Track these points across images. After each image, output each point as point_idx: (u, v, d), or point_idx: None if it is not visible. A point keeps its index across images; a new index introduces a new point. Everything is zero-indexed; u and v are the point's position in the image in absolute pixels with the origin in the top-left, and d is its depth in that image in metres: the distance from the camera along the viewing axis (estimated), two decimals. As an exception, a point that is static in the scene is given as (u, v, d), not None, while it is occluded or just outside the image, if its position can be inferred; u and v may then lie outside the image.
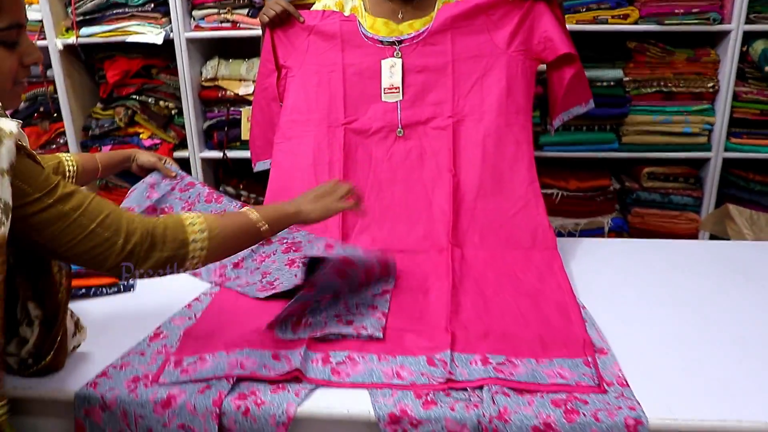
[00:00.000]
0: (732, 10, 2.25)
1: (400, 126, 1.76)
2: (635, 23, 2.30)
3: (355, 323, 1.29)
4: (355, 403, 1.06)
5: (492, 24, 1.71)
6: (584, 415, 1.01)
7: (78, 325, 1.19)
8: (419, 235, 1.69)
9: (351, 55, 1.77)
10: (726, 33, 2.29)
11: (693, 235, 2.46)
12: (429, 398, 1.06)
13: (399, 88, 1.75)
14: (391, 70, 1.75)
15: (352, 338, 1.25)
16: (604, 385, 1.09)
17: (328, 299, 1.37)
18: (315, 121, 1.78)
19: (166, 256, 1.01)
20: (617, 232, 2.47)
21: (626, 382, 1.10)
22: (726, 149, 2.39)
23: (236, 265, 1.52)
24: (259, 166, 1.95)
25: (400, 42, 1.75)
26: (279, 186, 1.78)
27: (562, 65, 1.75)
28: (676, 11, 2.27)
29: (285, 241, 1.65)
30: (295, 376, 1.11)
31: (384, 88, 1.76)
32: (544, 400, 1.05)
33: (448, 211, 1.67)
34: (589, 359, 1.17)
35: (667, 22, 2.28)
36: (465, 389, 1.09)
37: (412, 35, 1.74)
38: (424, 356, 1.19)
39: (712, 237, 2.45)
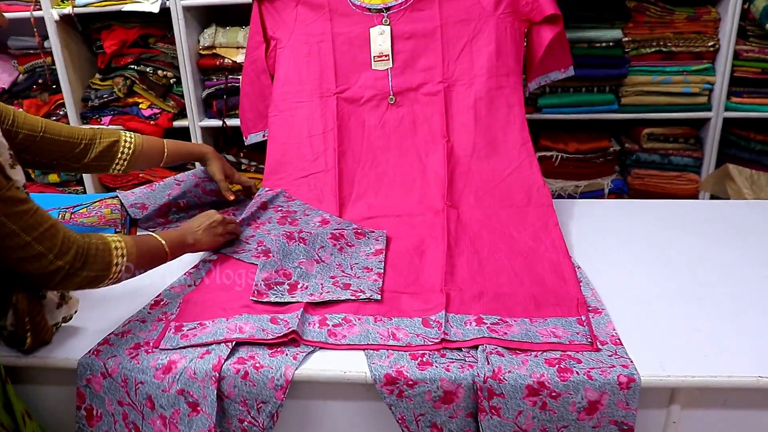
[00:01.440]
0: (733, -34, 2.22)
1: (391, 93, 1.77)
2: (635, -18, 2.27)
3: (352, 287, 1.31)
4: (352, 365, 1.08)
5: None
6: (577, 373, 1.03)
7: (65, 298, 1.20)
8: (415, 199, 1.70)
9: (339, 24, 1.78)
10: (727, -10, 2.26)
11: (693, 196, 2.46)
12: (424, 359, 1.08)
13: (389, 55, 1.76)
14: (380, 38, 1.76)
15: (350, 302, 1.27)
16: (598, 343, 1.11)
17: (318, 262, 1.39)
18: (307, 91, 1.80)
19: (93, 275, 1.07)
20: (617, 193, 2.47)
21: (620, 340, 1.12)
22: (726, 109, 2.36)
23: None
24: (250, 139, 1.98)
25: (388, 9, 1.76)
26: (276, 160, 1.80)
27: (544, 26, 1.75)
28: (677, -31, 2.24)
29: (280, 209, 1.66)
30: (292, 338, 1.14)
31: (374, 56, 1.77)
32: (538, 360, 1.07)
33: (442, 175, 1.68)
34: (582, 318, 1.19)
35: (667, -20, 2.24)
36: (459, 349, 1.11)
37: (399, 2, 1.75)
38: (419, 318, 1.21)
39: (713, 197, 2.44)
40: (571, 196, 2.44)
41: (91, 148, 1.38)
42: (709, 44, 2.30)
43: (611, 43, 2.32)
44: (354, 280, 1.34)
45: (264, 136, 1.94)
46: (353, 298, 1.28)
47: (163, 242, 1.24)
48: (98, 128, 1.43)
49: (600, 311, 1.21)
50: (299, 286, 1.31)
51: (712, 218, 1.62)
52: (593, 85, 2.37)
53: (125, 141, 1.44)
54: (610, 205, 1.79)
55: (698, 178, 2.45)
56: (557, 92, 2.38)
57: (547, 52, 1.78)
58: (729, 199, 2.34)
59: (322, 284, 1.32)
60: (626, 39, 2.33)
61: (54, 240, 1.02)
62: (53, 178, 2.76)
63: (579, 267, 1.37)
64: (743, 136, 2.45)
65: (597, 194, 2.46)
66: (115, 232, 1.48)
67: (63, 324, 1.20)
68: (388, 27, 1.76)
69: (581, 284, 1.30)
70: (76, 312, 1.23)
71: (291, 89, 1.81)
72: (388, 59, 1.77)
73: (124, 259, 1.11)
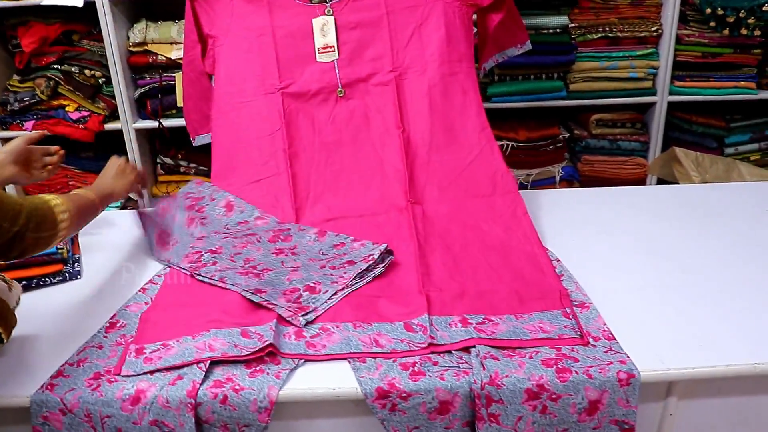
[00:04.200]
0: (672, -48, 2.24)
1: (340, 86, 1.68)
2: (579, -31, 2.26)
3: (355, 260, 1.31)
4: (340, 381, 1.00)
5: None
6: (576, 373, 0.99)
7: (8, 282, 1.13)
8: (375, 197, 1.62)
9: (279, 16, 1.69)
10: (667, -25, 2.28)
11: (641, 180, 2.49)
12: (416, 368, 1.02)
13: (334, 47, 1.68)
14: (323, 29, 1.68)
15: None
16: (590, 339, 1.08)
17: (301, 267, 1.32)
18: (250, 90, 1.69)
19: (45, 236, 1.04)
20: (568, 180, 2.47)
21: (613, 335, 1.08)
22: (670, 93, 2.40)
23: (213, 252, 1.40)
24: (198, 141, 1.87)
25: None
26: (222, 165, 1.69)
27: (491, 10, 1.72)
28: (619, -45, 2.24)
29: (271, 229, 1.53)
30: (270, 352, 1.05)
31: (318, 48, 1.68)
32: (534, 361, 1.02)
33: (401, 169, 1.61)
34: (568, 311, 1.15)
35: (609, -35, 2.25)
36: (450, 353, 1.06)
37: None
38: (401, 322, 1.14)
39: (660, 181, 2.48)
40: (522, 185, 2.43)
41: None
42: (653, 29, 2.32)
43: (558, 30, 2.30)
44: (352, 254, 1.29)
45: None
46: (366, 264, 1.28)
47: (93, 194, 1.24)
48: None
49: (587, 305, 1.17)
50: (317, 290, 1.23)
51: (679, 203, 1.62)
52: (542, 72, 2.35)
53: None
54: (569, 194, 1.78)
55: (646, 162, 2.48)
56: (506, 80, 2.36)
57: (500, 29, 1.75)
58: (676, 181, 2.38)
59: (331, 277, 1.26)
60: (573, 25, 2.32)
61: (3, 207, 0.96)
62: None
63: (559, 260, 1.33)
64: (686, 119, 2.50)
65: (548, 182, 2.46)
66: (57, 249, 1.35)
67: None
68: (332, 17, 1.68)
69: (563, 278, 1.27)
70: (19, 295, 1.15)
71: (233, 89, 1.70)
72: (334, 50, 1.68)
73: (66, 215, 1.08)
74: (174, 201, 1.62)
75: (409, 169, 1.61)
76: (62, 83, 2.35)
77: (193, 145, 1.87)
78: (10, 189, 2.49)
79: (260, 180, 1.65)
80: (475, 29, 1.83)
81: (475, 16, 1.76)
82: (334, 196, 1.64)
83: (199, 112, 1.83)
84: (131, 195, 1.69)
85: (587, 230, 1.50)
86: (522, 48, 1.85)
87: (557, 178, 2.44)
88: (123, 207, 2.50)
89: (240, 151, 1.68)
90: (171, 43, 2.33)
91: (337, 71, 1.68)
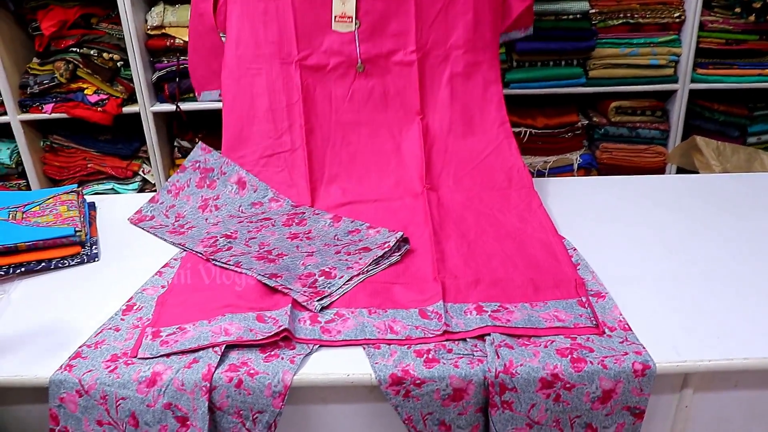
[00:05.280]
0: (698, -65, 2.20)
1: (359, 60, 1.62)
2: (601, -48, 2.23)
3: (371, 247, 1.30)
4: (354, 366, 1.01)
5: None
6: (591, 363, 0.99)
7: None
8: (391, 182, 1.62)
9: None
10: (692, -40, 2.24)
11: (660, 169, 2.46)
12: (431, 356, 1.02)
13: (352, 17, 1.59)
14: None
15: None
16: (606, 329, 1.07)
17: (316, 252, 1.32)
18: (266, 56, 1.62)
19: None
20: (586, 168, 2.45)
21: (628, 326, 1.08)
22: (692, 80, 2.36)
23: (228, 236, 1.40)
24: (204, 96, 1.77)
25: None
26: (234, 134, 1.64)
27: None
28: (643, -62, 2.21)
29: (286, 213, 1.53)
30: (285, 337, 1.05)
31: (335, 16, 1.60)
32: (549, 350, 1.02)
33: (419, 155, 1.60)
34: (583, 299, 1.15)
35: (632, -51, 2.21)
36: (465, 341, 1.05)
37: None
38: (416, 309, 1.14)
39: (679, 170, 2.45)
40: (540, 172, 2.41)
41: None
42: (675, 15, 2.29)
43: (578, 15, 2.27)
44: (368, 240, 1.28)
45: (219, 96, 1.73)
46: (381, 251, 1.26)
47: None
48: None
49: (603, 295, 1.16)
50: (333, 275, 1.23)
51: (698, 193, 1.60)
52: (561, 59, 2.33)
53: None
54: (587, 182, 1.76)
55: (665, 150, 2.45)
56: (524, 66, 2.33)
57: (519, 16, 1.70)
58: (696, 170, 2.35)
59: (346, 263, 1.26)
60: (593, 11, 2.29)
61: None
62: (-8, 172, 2.57)
63: (575, 249, 1.32)
64: (708, 107, 2.47)
65: (566, 169, 2.44)
66: (75, 231, 1.36)
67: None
68: None
69: (579, 267, 1.26)
70: None
71: (247, 52, 1.63)
72: (351, 21, 1.59)
73: None
74: (183, 174, 1.60)
75: (426, 155, 1.60)
76: (81, 66, 2.36)
77: (198, 100, 1.78)
78: (31, 172, 2.52)
79: (274, 155, 1.63)
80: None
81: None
82: (349, 178, 1.62)
83: (206, 67, 1.72)
84: None
85: (604, 219, 1.48)
86: (525, 32, 1.76)
87: (575, 166, 2.42)
88: (140, 190, 2.52)
89: (253, 121, 1.63)
90: (188, 27, 2.33)
91: (357, 44, 1.61)
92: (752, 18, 2.24)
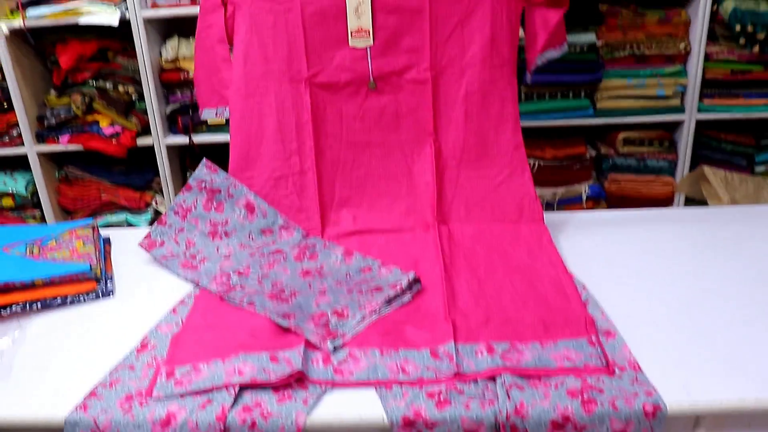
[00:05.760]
0: (702, -31, 2.23)
1: (371, 77, 1.57)
2: (607, -15, 2.27)
3: (383, 287, 1.31)
4: (367, 408, 1.01)
5: None
6: (602, 404, 0.99)
7: None
8: (401, 210, 1.61)
9: None
10: (696, -8, 2.28)
11: (669, 199, 2.47)
12: (442, 397, 1.02)
13: (369, 31, 1.53)
14: (357, 10, 1.53)
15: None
16: (617, 369, 1.08)
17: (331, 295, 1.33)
18: (275, 73, 1.57)
19: None
20: (595, 199, 2.47)
21: (638, 365, 1.08)
22: (699, 110, 2.38)
23: (241, 273, 1.42)
24: (205, 114, 1.71)
25: None
26: (242, 154, 1.60)
27: (549, 7, 1.58)
28: (648, -28, 2.24)
29: (297, 246, 1.53)
30: (298, 378, 1.07)
31: (351, 31, 1.53)
32: (560, 392, 1.02)
33: (431, 182, 1.58)
34: (593, 338, 1.15)
35: (638, -17, 2.25)
36: (476, 382, 1.06)
37: None
38: (427, 349, 1.15)
39: (688, 199, 2.46)
40: (549, 204, 2.43)
41: None
42: (681, 46, 2.31)
43: (585, 48, 2.30)
44: (380, 280, 1.29)
45: (217, 114, 1.69)
46: (394, 292, 1.27)
47: None
48: None
49: (613, 334, 1.17)
50: (345, 315, 1.24)
51: (707, 226, 1.60)
52: (568, 91, 2.36)
53: None
54: (596, 216, 1.76)
55: (674, 180, 2.46)
56: (533, 99, 2.36)
57: (552, 33, 1.62)
58: (704, 200, 2.36)
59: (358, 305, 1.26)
60: (600, 43, 2.32)
61: None
62: (7, 202, 2.60)
63: (585, 287, 1.33)
64: (715, 137, 2.49)
65: (575, 200, 2.45)
66: (91, 267, 1.39)
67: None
68: None
69: (588, 305, 1.26)
70: None
71: (255, 70, 1.58)
72: (368, 35, 1.53)
73: None
74: (190, 194, 1.57)
75: (438, 183, 1.57)
76: (97, 99, 2.41)
77: (200, 117, 1.73)
78: (46, 202, 2.56)
79: (283, 177, 1.60)
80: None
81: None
82: (360, 202, 1.61)
83: (209, 83, 1.67)
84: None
85: (613, 254, 1.49)
86: (560, 50, 1.67)
87: (584, 197, 2.44)
88: (153, 221, 2.55)
89: (261, 142, 1.60)
90: (202, 60, 2.37)
91: (369, 60, 1.56)
92: (756, 49, 2.26)
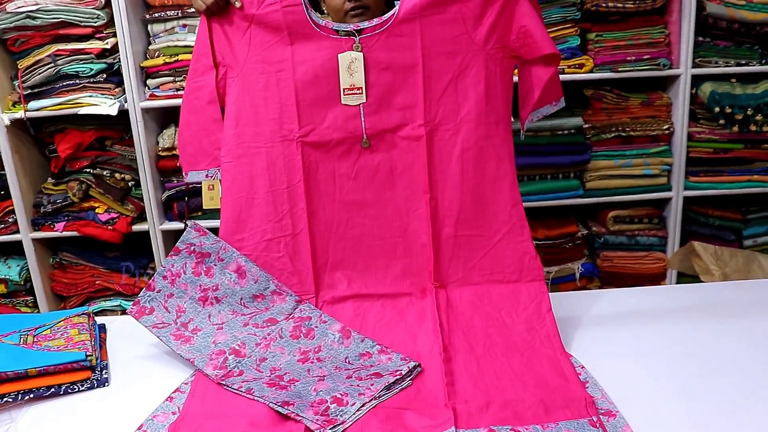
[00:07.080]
0: (679, 55, 2.35)
1: (365, 135, 1.52)
2: (591, 72, 2.36)
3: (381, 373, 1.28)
4: (368, 498, 0.99)
5: (468, 13, 1.47)
6: (607, 488, 0.98)
7: None
8: (397, 271, 1.56)
9: (301, 50, 1.50)
10: (676, 77, 2.38)
11: (662, 275, 2.50)
12: (445, 485, 1.01)
13: (362, 88, 1.49)
14: (350, 67, 1.49)
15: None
16: (619, 450, 1.06)
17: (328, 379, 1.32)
18: (266, 134, 1.53)
19: None
20: (588, 277, 2.49)
21: (642, 447, 1.07)
22: (686, 188, 2.44)
23: (238, 353, 1.39)
24: (190, 177, 1.66)
25: (360, 32, 1.48)
26: (233, 217, 1.55)
27: (540, 64, 1.55)
28: (628, 58, 2.35)
29: (291, 316, 1.50)
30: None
31: (343, 89, 1.50)
32: (564, 476, 1.01)
33: (427, 242, 1.54)
34: (594, 419, 1.14)
35: (620, 69, 2.35)
36: (478, 469, 1.04)
37: (374, 24, 1.49)
38: (428, 436, 1.13)
39: (680, 274, 2.48)
40: (543, 282, 2.44)
41: None
42: (664, 127, 2.40)
43: (573, 130, 2.38)
44: (379, 366, 1.27)
45: (207, 176, 1.64)
46: (393, 378, 1.26)
47: None
48: None
49: (614, 414, 1.16)
50: (345, 402, 1.22)
51: (700, 303, 1.62)
52: (558, 172, 2.42)
53: None
54: (590, 296, 1.77)
55: (665, 256, 2.49)
56: (523, 180, 2.41)
57: (544, 90, 1.57)
58: (696, 275, 2.38)
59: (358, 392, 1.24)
60: (587, 126, 2.40)
61: None
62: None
63: (583, 367, 1.33)
64: (702, 213, 2.53)
65: (568, 279, 2.47)
66: (86, 356, 1.37)
67: None
68: (361, 54, 1.48)
69: (588, 385, 1.26)
70: None
71: (246, 131, 1.54)
72: (362, 93, 1.50)
73: None
74: (178, 258, 1.54)
75: (435, 243, 1.54)
76: (93, 186, 2.44)
77: (185, 180, 1.67)
78: (39, 289, 2.54)
79: (274, 239, 1.55)
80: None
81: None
82: (355, 264, 1.57)
83: (196, 144, 1.61)
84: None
85: (609, 333, 1.49)
86: (556, 105, 1.62)
87: (577, 275, 2.46)
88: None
89: (252, 204, 1.56)
90: (198, 148, 2.43)
91: (362, 118, 1.52)
92: (735, 129, 2.34)
